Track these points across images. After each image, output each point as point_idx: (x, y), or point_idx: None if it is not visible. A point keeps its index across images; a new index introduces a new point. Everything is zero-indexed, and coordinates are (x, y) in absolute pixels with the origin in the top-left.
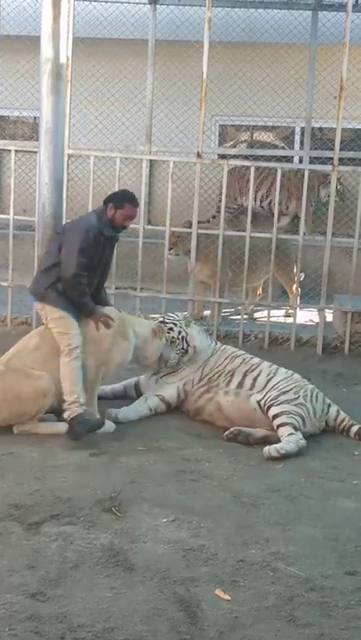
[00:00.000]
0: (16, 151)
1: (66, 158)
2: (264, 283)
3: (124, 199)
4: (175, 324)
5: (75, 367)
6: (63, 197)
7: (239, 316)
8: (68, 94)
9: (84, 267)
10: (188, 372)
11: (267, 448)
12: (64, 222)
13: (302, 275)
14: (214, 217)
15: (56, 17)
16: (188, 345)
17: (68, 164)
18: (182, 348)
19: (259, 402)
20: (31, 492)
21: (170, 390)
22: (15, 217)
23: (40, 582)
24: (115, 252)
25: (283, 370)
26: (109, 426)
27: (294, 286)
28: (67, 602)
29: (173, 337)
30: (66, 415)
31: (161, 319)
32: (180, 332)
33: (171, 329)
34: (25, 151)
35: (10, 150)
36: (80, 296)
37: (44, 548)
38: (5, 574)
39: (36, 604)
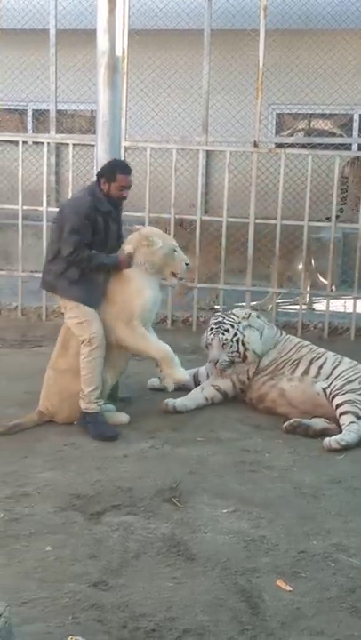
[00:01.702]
0: (74, 145)
1: (123, 151)
2: (325, 273)
3: (115, 170)
4: (232, 326)
5: (96, 356)
6: None
7: (296, 306)
8: (125, 87)
9: (82, 245)
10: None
11: (327, 439)
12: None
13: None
14: (341, 211)
15: (112, 9)
16: (246, 349)
17: (124, 157)
18: (237, 351)
19: (324, 389)
20: (92, 482)
21: (226, 380)
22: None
23: (102, 571)
24: (121, 224)
25: (347, 359)
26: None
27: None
28: (128, 591)
29: (227, 339)
30: (82, 405)
31: (220, 319)
32: (235, 335)
33: (227, 330)
34: (82, 144)
35: (68, 144)
36: (89, 261)
37: (105, 538)
38: (68, 563)
39: (98, 592)
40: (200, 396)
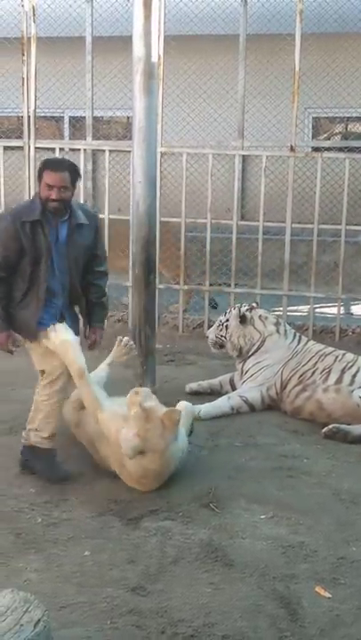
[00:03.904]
0: (110, 151)
1: (159, 156)
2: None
3: (42, 166)
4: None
5: (55, 400)
6: (157, 195)
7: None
8: (161, 92)
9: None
10: (267, 376)
11: None
12: (157, 220)
13: None
14: None
15: (147, 16)
16: (229, 339)
17: (160, 162)
18: (223, 336)
19: None
20: (130, 487)
21: (253, 393)
22: (110, 216)
23: (140, 577)
24: (94, 238)
25: None
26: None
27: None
28: (167, 596)
29: (221, 321)
30: (26, 435)
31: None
32: (227, 320)
33: (225, 314)
34: (118, 151)
35: (104, 150)
36: None
37: (143, 543)
38: (106, 568)
39: (136, 598)
40: (226, 404)
